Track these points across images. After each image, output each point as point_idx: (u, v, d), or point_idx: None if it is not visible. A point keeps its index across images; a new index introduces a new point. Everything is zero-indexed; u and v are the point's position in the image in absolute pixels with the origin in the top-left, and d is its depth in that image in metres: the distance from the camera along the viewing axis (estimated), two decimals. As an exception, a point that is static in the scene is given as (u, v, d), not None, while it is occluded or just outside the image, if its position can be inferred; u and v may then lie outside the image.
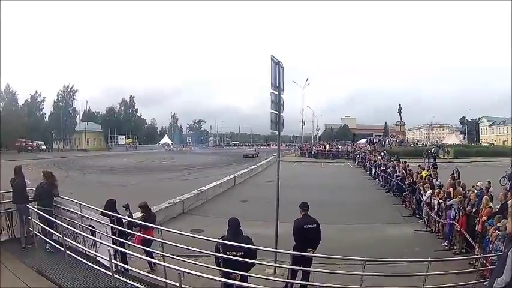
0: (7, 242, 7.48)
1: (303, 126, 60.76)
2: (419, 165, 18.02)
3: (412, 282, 5.57)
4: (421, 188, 12.54)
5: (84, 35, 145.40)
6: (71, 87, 72.80)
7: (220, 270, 5.06)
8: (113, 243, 5.96)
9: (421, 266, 5.99)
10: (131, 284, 5.05)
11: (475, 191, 9.56)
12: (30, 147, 59.05)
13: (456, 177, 14.32)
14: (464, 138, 76.21)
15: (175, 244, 5.91)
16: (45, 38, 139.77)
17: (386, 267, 6.67)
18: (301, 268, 5.90)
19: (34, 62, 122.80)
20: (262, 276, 5.57)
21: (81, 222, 6.94)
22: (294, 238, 6.36)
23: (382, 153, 30.70)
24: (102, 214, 6.95)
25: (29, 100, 72.06)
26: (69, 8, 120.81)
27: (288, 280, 5.82)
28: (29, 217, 6.78)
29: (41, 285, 5.71)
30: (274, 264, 6.63)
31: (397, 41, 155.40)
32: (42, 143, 65.18)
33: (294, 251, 6.17)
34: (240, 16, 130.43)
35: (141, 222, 7.35)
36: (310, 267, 6.04)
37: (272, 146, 75.67)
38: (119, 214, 7.26)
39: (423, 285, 5.27)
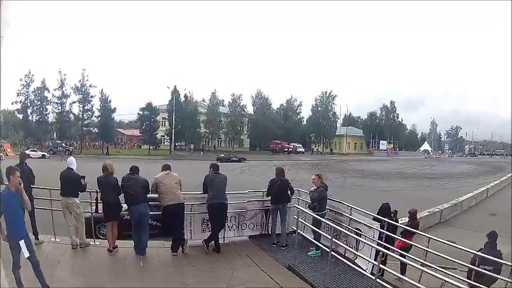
0: (258, 237, 7.98)
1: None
2: None
3: None
4: None
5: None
6: (330, 93, 72.38)
7: (468, 282, 5.21)
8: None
9: None
10: None
11: None
12: (286, 149, 61.99)
13: None
14: None
15: (437, 253, 5.92)
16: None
17: None
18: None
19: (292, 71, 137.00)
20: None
21: (348, 225, 7.26)
22: None
23: None
24: (375, 219, 7.30)
25: (285, 104, 75.55)
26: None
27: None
28: (288, 216, 7.28)
29: (288, 280, 5.99)
30: (508, 280, 6.21)
31: None
32: (300, 145, 67.20)
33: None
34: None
35: (409, 228, 7.44)
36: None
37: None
38: (391, 220, 7.50)
39: None
